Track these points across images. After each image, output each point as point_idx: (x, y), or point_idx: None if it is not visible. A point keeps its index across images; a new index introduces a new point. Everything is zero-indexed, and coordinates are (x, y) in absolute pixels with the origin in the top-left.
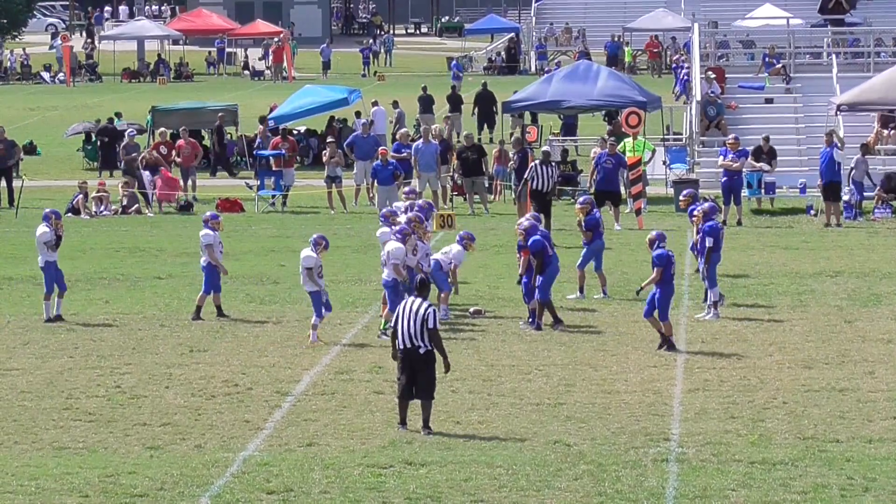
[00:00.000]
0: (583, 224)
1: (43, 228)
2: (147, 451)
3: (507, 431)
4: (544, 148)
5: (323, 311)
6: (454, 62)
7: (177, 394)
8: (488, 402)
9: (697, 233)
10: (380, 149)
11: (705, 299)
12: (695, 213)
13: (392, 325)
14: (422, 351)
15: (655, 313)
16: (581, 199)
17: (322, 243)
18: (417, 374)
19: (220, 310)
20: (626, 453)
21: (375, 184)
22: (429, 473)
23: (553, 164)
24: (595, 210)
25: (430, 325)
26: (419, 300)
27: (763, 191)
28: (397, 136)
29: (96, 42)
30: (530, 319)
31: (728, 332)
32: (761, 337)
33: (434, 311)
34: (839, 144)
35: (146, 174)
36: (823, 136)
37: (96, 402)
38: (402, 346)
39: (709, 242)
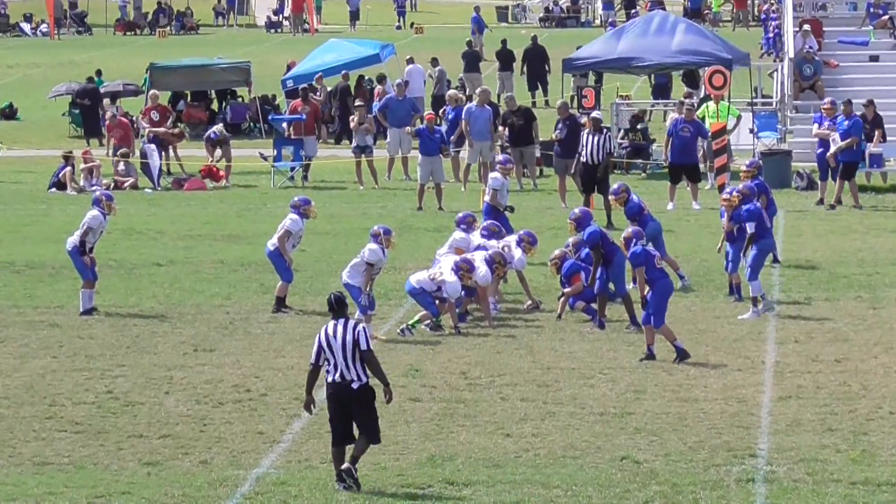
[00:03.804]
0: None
1: (94, 212)
2: (144, 467)
3: (566, 446)
4: (594, 113)
5: (367, 311)
6: (474, 15)
7: (178, 401)
8: (544, 412)
9: (730, 218)
10: (426, 114)
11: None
12: (732, 193)
13: (312, 360)
14: (355, 386)
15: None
16: (614, 188)
17: (380, 233)
18: (354, 415)
19: (283, 301)
20: (706, 472)
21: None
22: (474, 495)
23: (606, 131)
24: (633, 196)
25: (363, 346)
26: (340, 322)
27: (868, 163)
28: (446, 99)
29: None
30: (592, 318)
31: (825, 331)
32: (864, 336)
33: (364, 329)
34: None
35: (151, 147)
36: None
37: (84, 410)
38: (331, 381)
39: (750, 228)
